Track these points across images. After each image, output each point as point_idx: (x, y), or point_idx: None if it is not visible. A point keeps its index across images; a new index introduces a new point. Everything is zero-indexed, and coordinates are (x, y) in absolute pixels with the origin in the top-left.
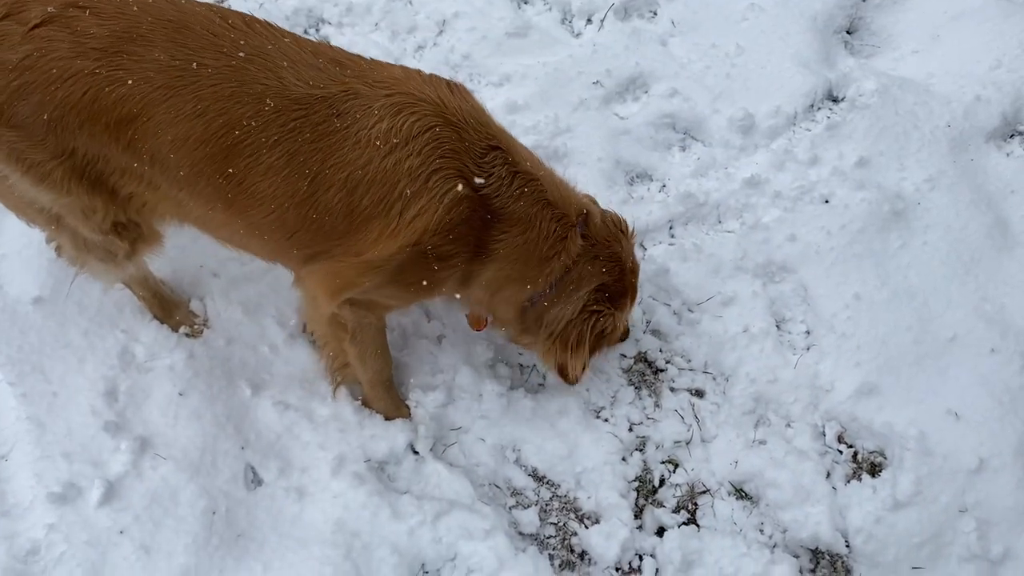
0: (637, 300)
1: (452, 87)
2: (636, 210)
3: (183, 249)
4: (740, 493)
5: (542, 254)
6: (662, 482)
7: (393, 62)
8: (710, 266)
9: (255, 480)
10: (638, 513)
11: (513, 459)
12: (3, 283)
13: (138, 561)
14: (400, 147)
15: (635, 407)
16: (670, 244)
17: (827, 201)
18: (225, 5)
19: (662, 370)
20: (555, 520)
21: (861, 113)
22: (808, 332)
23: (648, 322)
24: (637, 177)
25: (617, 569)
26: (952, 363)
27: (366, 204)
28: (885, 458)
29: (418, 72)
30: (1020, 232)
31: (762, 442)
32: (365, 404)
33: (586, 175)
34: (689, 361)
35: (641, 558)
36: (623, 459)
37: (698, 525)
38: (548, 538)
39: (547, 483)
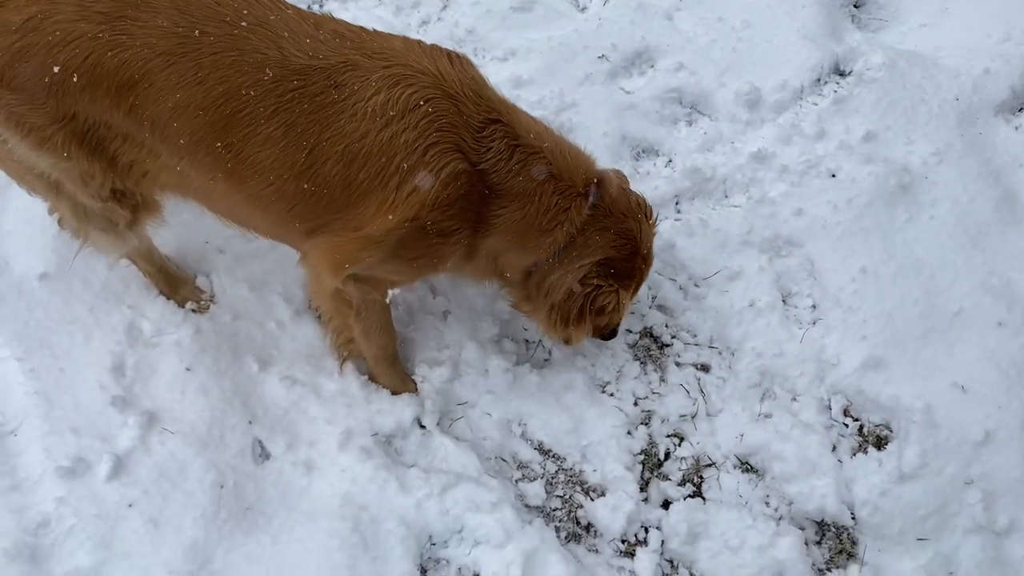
0: (638, 293)
1: (453, 59)
2: (642, 185)
3: (188, 225)
4: (746, 466)
5: (542, 227)
6: (667, 455)
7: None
8: (716, 241)
9: (263, 454)
10: (644, 486)
11: (519, 433)
12: (9, 259)
13: (147, 534)
14: (396, 120)
15: (641, 381)
16: (676, 219)
17: (834, 175)
18: None
19: (668, 345)
20: (561, 493)
21: (868, 87)
22: (814, 306)
23: (654, 297)
24: (643, 152)
25: (623, 541)
26: (959, 337)
27: (363, 177)
28: (891, 431)
29: (419, 43)
30: None
31: (768, 416)
32: (371, 379)
33: (592, 150)
34: (695, 336)
35: (647, 530)
36: (628, 433)
37: (704, 498)
38: (554, 510)
39: (553, 456)
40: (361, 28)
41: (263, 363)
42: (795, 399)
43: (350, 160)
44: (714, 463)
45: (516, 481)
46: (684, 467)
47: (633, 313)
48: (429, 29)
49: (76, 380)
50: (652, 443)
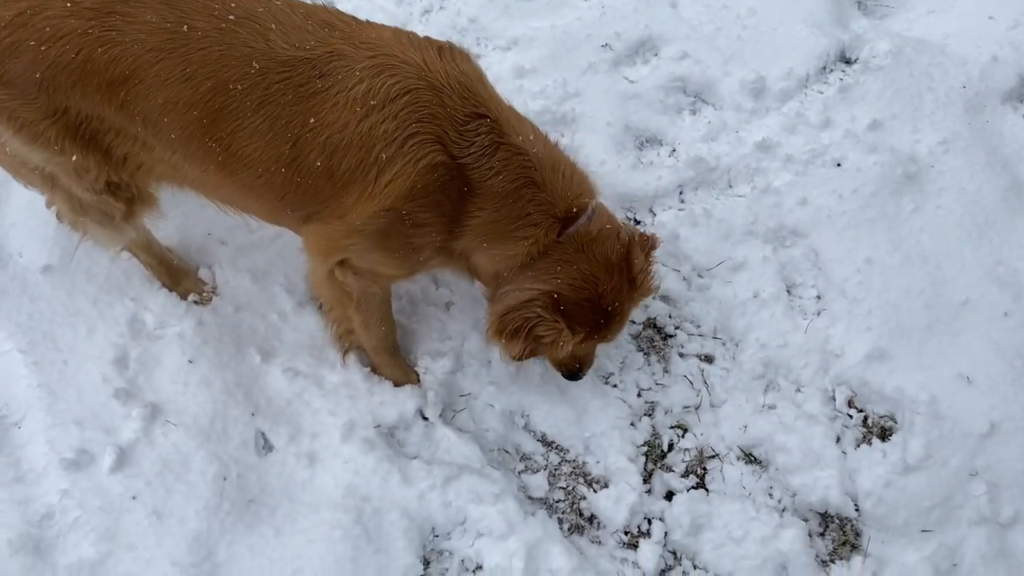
0: (605, 342)
1: (444, 51)
2: (646, 175)
3: (190, 216)
4: (749, 457)
5: (510, 234)
6: (671, 447)
7: (399, 27)
8: (720, 231)
9: (266, 446)
10: (647, 477)
11: (522, 424)
12: (12, 252)
13: (150, 526)
14: (377, 110)
15: (644, 373)
16: (680, 209)
17: (839, 165)
18: None
19: (671, 336)
20: (564, 484)
21: (874, 75)
22: (819, 297)
23: (657, 288)
24: (647, 142)
25: (626, 532)
26: (964, 327)
27: (345, 168)
28: (895, 422)
29: (410, 34)
30: None
31: (772, 407)
32: (373, 371)
33: (595, 140)
34: (699, 327)
35: (650, 522)
36: (632, 424)
37: (707, 489)
38: (557, 502)
39: (556, 448)
40: (353, 18)
41: (266, 355)
42: (799, 390)
43: (332, 151)
44: (717, 454)
45: (519, 473)
46: (687, 458)
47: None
48: (431, 18)
49: (79, 372)
50: (655, 434)
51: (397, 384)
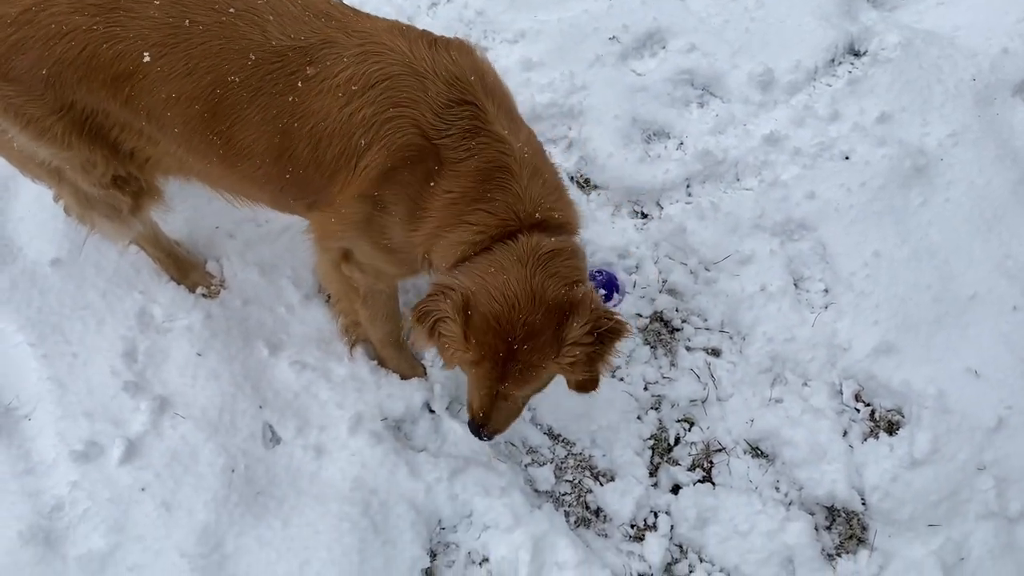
0: (505, 389)
1: (439, 43)
2: (653, 168)
3: (198, 210)
4: (756, 451)
5: (463, 218)
6: (677, 440)
7: (406, 20)
8: (727, 224)
9: (273, 438)
10: (653, 471)
11: (528, 417)
12: (21, 245)
13: (159, 518)
14: (358, 96)
15: (651, 366)
16: (687, 202)
17: (847, 158)
18: None
19: (678, 329)
20: (570, 478)
21: (883, 67)
22: (826, 290)
23: (664, 281)
24: (654, 135)
25: (632, 526)
26: (972, 321)
27: (330, 157)
28: (903, 416)
29: (407, 27)
30: None
31: (778, 400)
32: (381, 364)
33: (602, 133)
34: (705, 320)
35: (656, 515)
36: (638, 417)
37: (713, 483)
38: (563, 495)
39: (562, 441)
40: (352, 9)
41: (273, 348)
42: (806, 384)
43: (317, 140)
44: (724, 448)
45: (525, 466)
46: (694, 452)
47: (643, 297)
48: (439, 11)
49: (89, 365)
50: (662, 428)
51: (404, 377)
